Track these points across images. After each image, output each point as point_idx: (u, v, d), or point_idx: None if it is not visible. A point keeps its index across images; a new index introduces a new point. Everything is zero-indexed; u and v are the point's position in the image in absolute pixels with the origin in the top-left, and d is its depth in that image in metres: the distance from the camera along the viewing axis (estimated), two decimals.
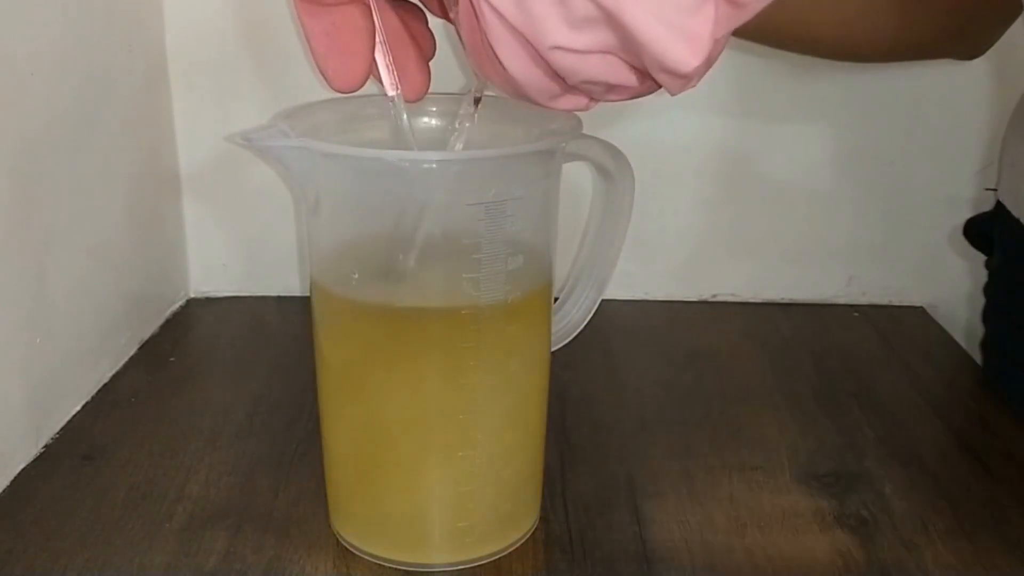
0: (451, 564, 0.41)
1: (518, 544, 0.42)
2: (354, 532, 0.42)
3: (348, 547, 0.42)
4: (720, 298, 0.68)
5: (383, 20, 0.37)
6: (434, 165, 0.37)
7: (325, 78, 0.36)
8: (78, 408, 0.52)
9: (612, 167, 0.42)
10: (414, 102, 0.39)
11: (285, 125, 0.38)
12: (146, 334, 0.61)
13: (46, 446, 0.49)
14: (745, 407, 0.54)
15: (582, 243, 0.47)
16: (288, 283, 0.67)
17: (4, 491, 0.45)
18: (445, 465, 0.40)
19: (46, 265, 0.49)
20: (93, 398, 0.53)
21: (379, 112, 0.43)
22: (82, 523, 0.43)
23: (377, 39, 0.37)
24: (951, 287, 0.67)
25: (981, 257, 0.60)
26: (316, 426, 0.51)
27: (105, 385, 0.55)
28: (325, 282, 0.40)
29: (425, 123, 0.44)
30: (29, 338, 0.47)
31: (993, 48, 0.62)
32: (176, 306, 0.65)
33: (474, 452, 0.39)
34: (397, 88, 0.39)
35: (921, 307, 0.67)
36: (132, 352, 0.59)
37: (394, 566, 0.41)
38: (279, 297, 0.67)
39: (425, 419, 0.39)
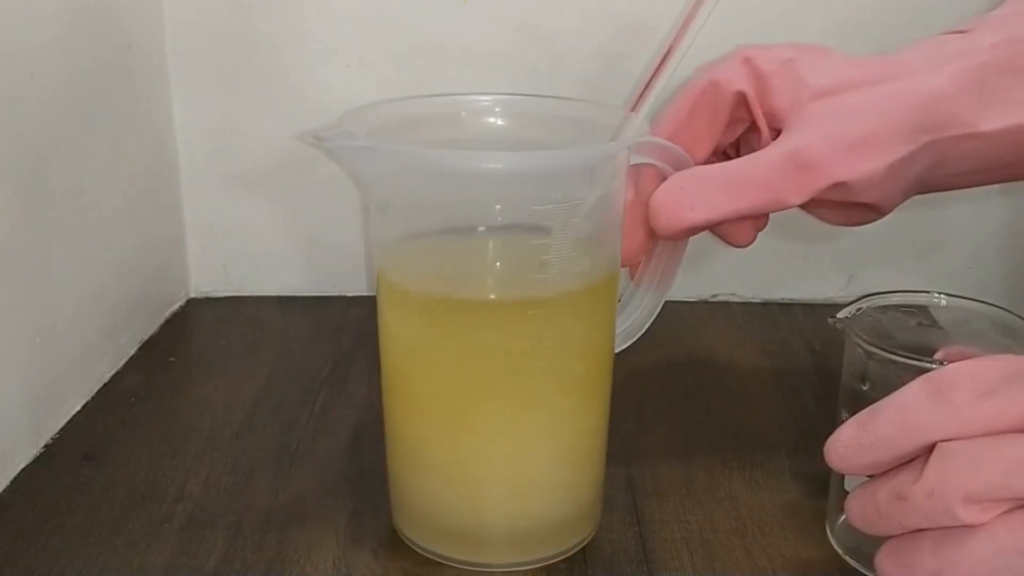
0: (508, 565, 0.40)
1: (576, 549, 0.42)
2: (414, 528, 0.42)
3: (408, 543, 0.42)
4: (720, 298, 0.68)
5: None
6: (502, 166, 0.37)
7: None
8: (78, 408, 0.52)
9: (675, 170, 0.42)
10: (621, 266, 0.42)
11: (352, 125, 0.38)
12: (146, 334, 0.61)
13: (46, 446, 0.49)
14: (745, 407, 0.54)
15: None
16: (288, 283, 0.67)
17: (4, 491, 0.45)
18: (506, 466, 0.39)
19: (46, 265, 0.49)
20: (93, 398, 0.53)
21: (446, 112, 0.43)
22: (82, 523, 0.43)
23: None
24: (951, 287, 0.67)
25: (981, 257, 0.60)
26: (316, 426, 0.51)
27: (105, 385, 0.55)
28: (391, 279, 0.39)
29: (492, 123, 0.44)
30: (29, 338, 0.47)
31: None
32: (176, 306, 0.65)
33: (536, 453, 0.39)
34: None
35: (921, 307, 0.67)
36: (132, 352, 0.59)
37: (451, 564, 0.40)
38: (279, 297, 0.67)
39: (488, 418, 0.39)
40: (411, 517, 0.42)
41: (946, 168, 0.41)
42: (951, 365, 0.32)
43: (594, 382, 0.41)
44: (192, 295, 0.67)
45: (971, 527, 0.30)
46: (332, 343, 0.61)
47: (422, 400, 0.40)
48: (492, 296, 0.39)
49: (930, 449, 0.31)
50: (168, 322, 0.63)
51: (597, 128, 0.41)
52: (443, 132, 0.43)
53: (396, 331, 0.40)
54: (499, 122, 0.44)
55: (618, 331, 0.44)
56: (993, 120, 0.39)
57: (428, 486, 0.41)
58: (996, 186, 0.64)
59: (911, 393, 0.32)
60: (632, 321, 0.45)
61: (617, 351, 0.43)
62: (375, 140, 0.37)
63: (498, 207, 0.38)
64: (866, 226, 0.66)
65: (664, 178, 0.41)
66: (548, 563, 0.41)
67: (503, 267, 0.39)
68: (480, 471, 0.40)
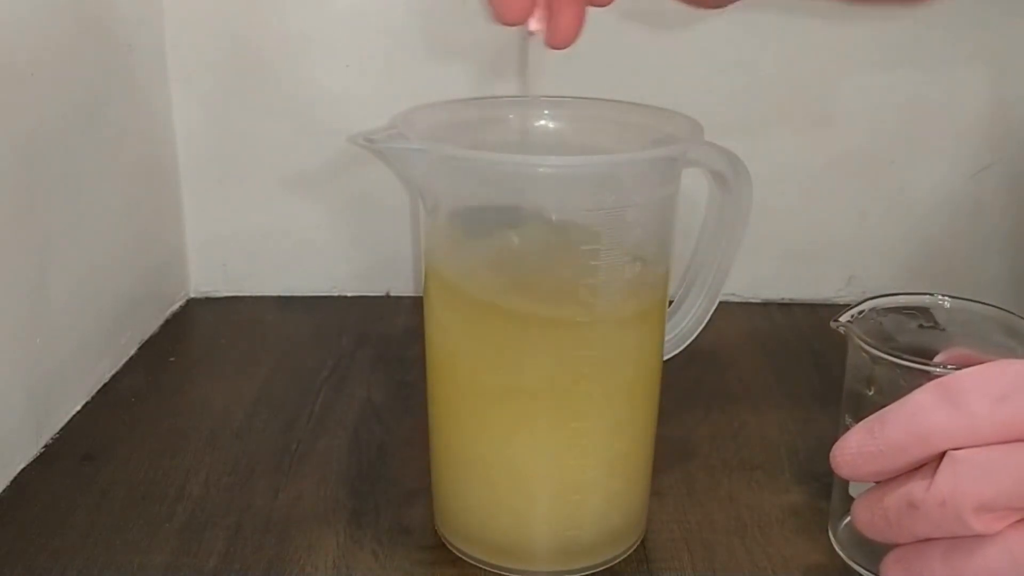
0: (554, 573, 0.40)
1: (622, 557, 0.41)
2: (459, 535, 0.41)
3: (452, 550, 0.41)
4: (720, 298, 0.68)
5: None
6: (553, 170, 0.37)
7: (491, 7, 0.38)
8: (78, 408, 0.52)
9: (730, 175, 0.41)
10: (557, 48, 0.39)
11: (403, 127, 0.38)
12: (146, 334, 0.61)
13: (46, 446, 0.49)
14: (745, 407, 0.54)
15: (695, 251, 0.47)
16: (288, 283, 0.67)
17: (4, 491, 0.45)
18: (555, 473, 0.39)
19: (46, 265, 0.49)
20: (93, 398, 0.53)
21: (497, 115, 0.44)
22: (82, 523, 0.43)
23: None
24: (951, 287, 0.67)
25: (981, 257, 0.60)
26: (316, 426, 0.51)
27: (105, 385, 0.55)
28: (439, 282, 0.39)
29: (542, 126, 0.43)
30: (29, 338, 0.47)
31: (993, 47, 0.62)
32: (176, 306, 0.65)
33: (584, 461, 0.39)
34: (541, 25, 0.39)
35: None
36: (132, 352, 0.59)
37: (497, 572, 0.40)
38: (279, 297, 0.67)
39: (537, 425, 0.38)
40: (457, 525, 0.41)
41: None
42: (963, 370, 0.31)
43: (643, 390, 0.40)
44: (192, 295, 0.67)
45: (982, 536, 0.30)
46: (332, 343, 0.61)
47: (468, 407, 0.39)
48: (540, 301, 0.38)
49: (940, 455, 0.30)
50: (168, 322, 0.63)
51: (650, 131, 0.41)
52: (494, 134, 0.43)
53: (442, 334, 0.40)
54: (550, 125, 0.43)
55: (667, 338, 0.43)
56: None
57: (475, 494, 0.40)
58: (996, 185, 0.65)
59: (922, 399, 0.31)
60: (682, 328, 0.44)
61: (666, 358, 0.43)
62: (426, 142, 0.37)
63: (548, 211, 0.37)
64: (866, 226, 0.67)
65: None
66: (588, 572, 0.41)
67: (552, 272, 0.38)
68: (528, 480, 0.39)
